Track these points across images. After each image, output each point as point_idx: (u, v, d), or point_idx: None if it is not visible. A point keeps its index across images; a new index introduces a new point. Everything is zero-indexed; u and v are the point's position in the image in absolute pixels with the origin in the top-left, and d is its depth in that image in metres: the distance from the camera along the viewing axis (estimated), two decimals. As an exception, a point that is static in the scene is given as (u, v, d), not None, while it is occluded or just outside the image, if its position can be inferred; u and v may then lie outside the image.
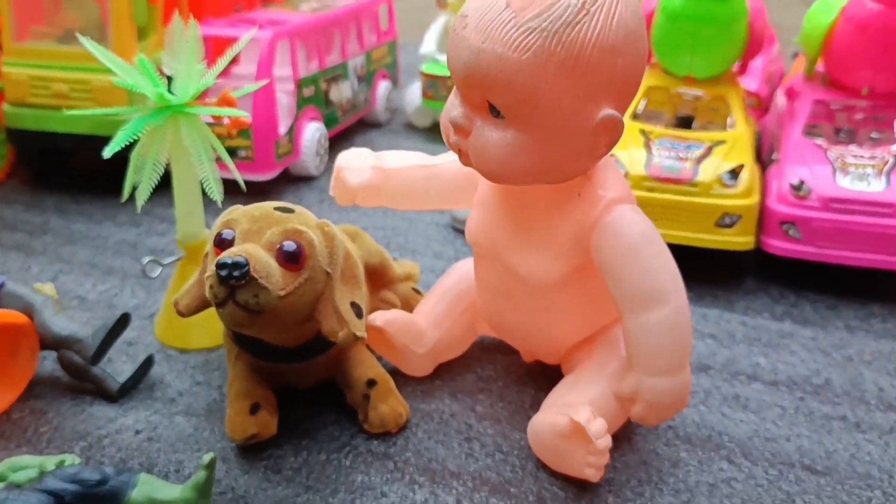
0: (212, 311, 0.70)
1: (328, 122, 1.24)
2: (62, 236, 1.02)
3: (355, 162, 0.72)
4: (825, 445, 0.68)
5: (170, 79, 0.74)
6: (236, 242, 0.59)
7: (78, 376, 0.73)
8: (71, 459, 0.61)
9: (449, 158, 0.73)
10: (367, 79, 1.39)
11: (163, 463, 0.66)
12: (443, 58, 1.39)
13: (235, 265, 0.55)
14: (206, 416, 0.71)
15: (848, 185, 0.88)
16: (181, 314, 0.64)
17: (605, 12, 0.55)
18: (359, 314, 0.63)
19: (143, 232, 1.03)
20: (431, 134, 1.42)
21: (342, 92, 1.29)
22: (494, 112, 0.58)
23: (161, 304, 0.85)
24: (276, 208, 0.62)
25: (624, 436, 0.68)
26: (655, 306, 0.61)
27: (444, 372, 0.77)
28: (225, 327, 0.69)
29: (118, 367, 0.74)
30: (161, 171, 0.73)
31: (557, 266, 0.64)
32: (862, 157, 0.91)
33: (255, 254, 0.57)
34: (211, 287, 0.57)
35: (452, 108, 0.60)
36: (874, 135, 0.95)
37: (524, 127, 0.57)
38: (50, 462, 0.60)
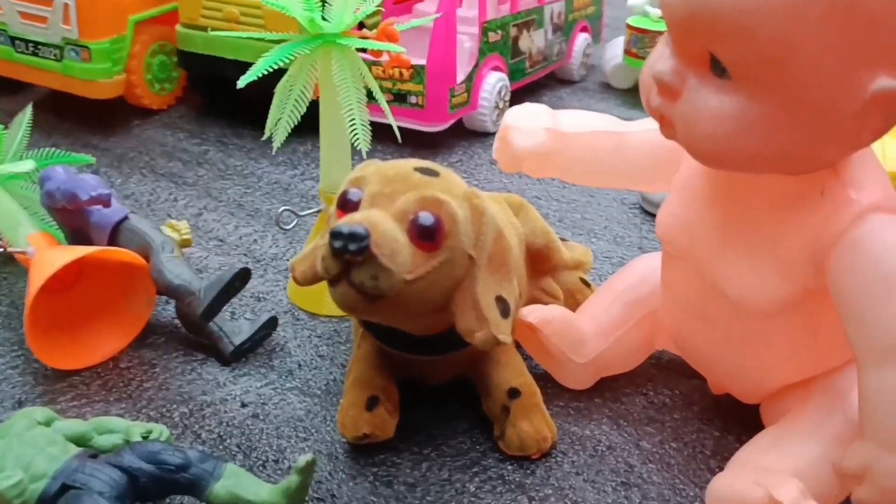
0: None
1: (513, 73, 1.10)
2: (216, 170, 0.96)
3: (527, 121, 0.58)
4: None
5: (323, 5, 0.63)
6: (362, 206, 0.48)
7: (194, 330, 0.65)
8: (159, 431, 0.53)
9: (645, 126, 0.58)
10: (564, 29, 1.24)
11: (262, 448, 0.56)
12: (654, 10, 1.20)
13: (352, 236, 0.44)
14: (322, 399, 0.61)
15: None
16: (297, 282, 0.54)
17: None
18: (504, 312, 0.50)
19: (298, 174, 0.95)
20: (631, 97, 1.25)
21: (534, 41, 1.15)
22: (718, 69, 0.42)
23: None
24: (416, 168, 0.49)
25: (835, 518, 0.51)
26: (909, 361, 0.43)
27: (607, 389, 0.63)
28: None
29: (238, 324, 0.65)
30: (304, 107, 0.63)
31: (778, 287, 0.48)
32: None
33: (381, 224, 0.45)
34: (323, 259, 0.46)
35: (659, 59, 0.45)
36: None
37: (760, 94, 0.41)
38: (137, 430, 0.53)
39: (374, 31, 0.65)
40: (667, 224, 0.54)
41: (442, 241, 0.47)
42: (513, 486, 0.54)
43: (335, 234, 0.44)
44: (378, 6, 0.64)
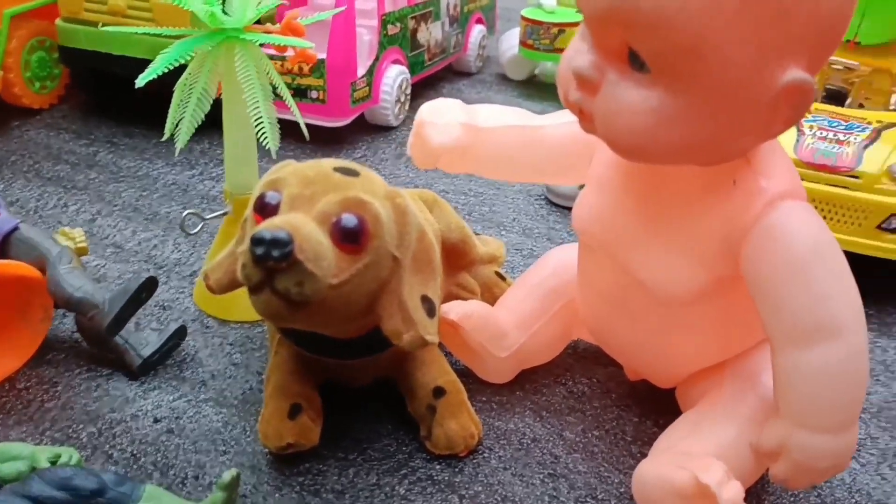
0: None
1: (413, 66, 1.10)
2: (108, 172, 0.91)
3: (442, 116, 0.57)
4: None
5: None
6: (281, 210, 0.46)
7: (97, 344, 0.62)
8: (68, 455, 0.50)
9: (558, 120, 0.58)
10: (460, 20, 1.24)
11: (180, 465, 0.54)
12: (548, 2, 1.22)
13: (275, 242, 0.42)
14: (239, 409, 0.59)
15: None
16: (211, 290, 0.52)
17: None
18: (431, 312, 0.49)
19: (196, 175, 0.91)
20: (527, 88, 1.27)
21: (432, 33, 1.14)
22: (637, 63, 0.42)
23: (204, 264, 0.73)
24: (336, 168, 0.48)
25: (752, 493, 0.53)
26: (824, 342, 0.45)
27: (528, 381, 0.63)
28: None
29: (145, 336, 0.62)
30: (208, 106, 0.60)
31: (695, 276, 0.49)
32: None
33: (304, 228, 0.43)
34: (244, 267, 0.44)
35: (577, 54, 0.45)
36: None
37: (678, 87, 0.41)
38: (44, 455, 0.50)
39: (274, 25, 0.63)
40: (583, 217, 0.54)
41: (366, 243, 0.46)
42: (442, 486, 0.53)
43: (256, 241, 0.42)
44: (281, 1, 0.62)
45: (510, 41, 1.29)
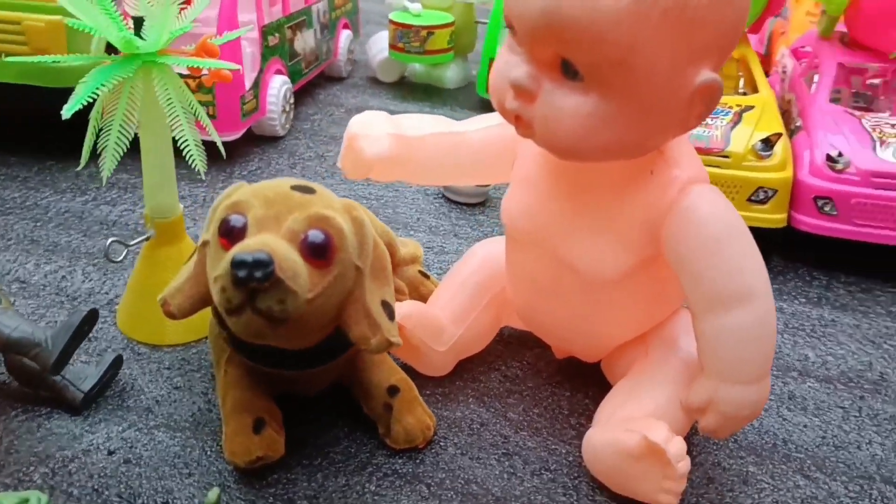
0: None
1: (292, 75, 1.11)
2: (-9, 205, 0.87)
3: (371, 128, 0.60)
4: (899, 454, 0.61)
5: (137, 22, 0.60)
6: (249, 232, 0.47)
7: (31, 384, 0.60)
8: (36, 498, 0.49)
9: (478, 125, 0.62)
10: (329, 27, 1.26)
11: (147, 493, 0.54)
12: (413, 5, 1.26)
13: (257, 264, 0.44)
14: (192, 430, 0.59)
15: (891, 157, 0.81)
16: (172, 316, 0.52)
17: (718, -48, 0.45)
18: (391, 316, 0.52)
19: (90, 200, 0.89)
20: (399, 90, 1.30)
21: (306, 41, 1.16)
22: (570, 73, 0.47)
23: (123, 291, 0.72)
24: (293, 187, 0.50)
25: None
26: (740, 306, 0.52)
27: (465, 371, 0.67)
28: (215, 323, 0.58)
29: (80, 369, 0.61)
30: (132, 133, 0.60)
31: (622, 258, 0.55)
32: (900, 127, 0.84)
33: (279, 248, 0.45)
34: (223, 290, 0.45)
35: (512, 66, 0.49)
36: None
37: (610, 92, 0.46)
38: (9, 502, 0.48)
39: (190, 46, 0.63)
40: (513, 212, 0.59)
41: (333, 257, 0.48)
42: (409, 478, 0.56)
43: (238, 264, 0.43)
44: (193, 23, 0.62)
45: (379, 44, 1.32)
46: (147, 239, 0.67)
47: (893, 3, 0.86)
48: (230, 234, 0.47)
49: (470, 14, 1.31)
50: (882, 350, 0.73)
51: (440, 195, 0.95)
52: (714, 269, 0.52)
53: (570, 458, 0.59)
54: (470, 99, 1.27)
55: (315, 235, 0.47)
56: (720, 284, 0.52)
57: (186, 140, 0.61)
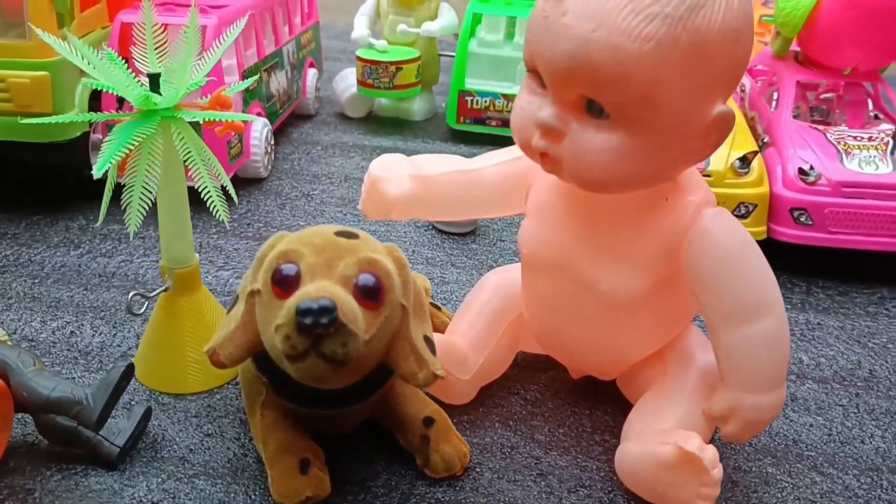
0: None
1: (269, 116, 1.12)
2: (-17, 264, 0.86)
3: (391, 170, 0.62)
4: (900, 444, 0.66)
5: (152, 78, 0.61)
6: (304, 280, 0.49)
7: (65, 442, 0.60)
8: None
9: (490, 161, 0.65)
10: (298, 66, 1.27)
11: (199, 542, 0.55)
12: (379, 42, 1.28)
13: (323, 311, 0.45)
14: (232, 476, 0.60)
15: (857, 168, 0.86)
16: (221, 366, 0.53)
17: (728, -5, 0.48)
18: (433, 350, 0.55)
19: (85, 253, 0.88)
20: (369, 124, 1.32)
21: (279, 82, 1.17)
22: (595, 111, 0.50)
23: (135, 342, 0.73)
24: (336, 233, 0.52)
25: (704, 453, 0.63)
26: (759, 318, 0.55)
27: (486, 397, 0.69)
28: (254, 368, 0.59)
29: (109, 425, 0.61)
30: (155, 187, 0.61)
31: (643, 279, 0.58)
32: (862, 138, 0.90)
33: (339, 294, 0.47)
34: (287, 338, 0.46)
35: (538, 108, 0.52)
36: (846, 115, 0.95)
37: (636, 128, 0.50)
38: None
39: (204, 99, 0.65)
40: (532, 243, 0.62)
41: (384, 298, 0.50)
42: (452, 505, 0.58)
43: (304, 312, 0.45)
44: (207, 76, 0.64)
45: (346, 81, 1.34)
46: (165, 290, 0.68)
47: (846, 25, 0.92)
48: (284, 282, 0.49)
49: (433, 47, 1.34)
50: (868, 349, 0.78)
51: (430, 227, 0.98)
52: (732, 285, 0.56)
53: (602, 474, 0.62)
54: (438, 129, 1.30)
55: (366, 279, 0.49)
56: (739, 299, 0.56)
57: (209, 191, 0.62)
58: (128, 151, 0.58)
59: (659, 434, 0.58)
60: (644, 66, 0.47)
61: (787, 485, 0.61)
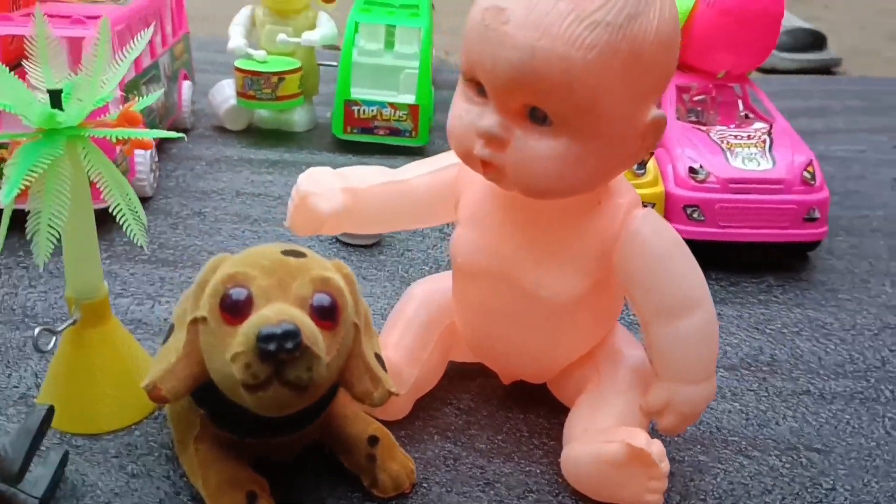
0: (123, 379, 0.58)
1: (150, 131, 1.06)
2: None
3: (320, 184, 0.61)
4: (810, 423, 0.70)
5: (53, 94, 0.57)
6: (257, 304, 0.46)
7: (-27, 499, 0.54)
8: None
9: (419, 171, 0.65)
10: (172, 78, 1.22)
11: (142, 592, 0.51)
12: (258, 53, 1.25)
13: (286, 335, 0.43)
14: (167, 518, 0.56)
15: (741, 165, 0.92)
16: (163, 401, 0.50)
17: (661, 4, 0.50)
18: (384, 367, 0.53)
19: (-37, 288, 0.81)
20: (250, 136, 1.28)
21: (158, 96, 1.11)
22: (538, 119, 0.51)
23: (32, 381, 0.67)
24: (283, 252, 0.50)
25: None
26: (689, 313, 0.58)
27: (419, 410, 0.68)
28: (187, 400, 0.55)
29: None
30: (65, 211, 0.56)
31: (581, 282, 0.59)
32: (742, 136, 0.95)
33: (299, 317, 0.45)
34: (248, 366, 0.44)
35: (479, 116, 0.52)
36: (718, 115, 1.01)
37: (578, 135, 0.51)
38: None
39: (111, 116, 0.60)
40: (466, 251, 0.61)
41: (339, 317, 0.48)
42: (405, 524, 0.57)
43: (266, 338, 0.43)
44: (113, 91, 0.60)
45: (223, 93, 1.29)
46: (73, 323, 0.63)
47: (720, 31, 0.98)
48: (235, 307, 0.46)
49: (312, 57, 1.32)
50: (766, 335, 0.83)
51: (334, 240, 0.96)
52: (663, 283, 0.58)
53: (547, 477, 0.62)
54: (323, 140, 1.28)
55: (322, 299, 0.47)
56: (669, 296, 0.58)
57: (124, 214, 0.58)
58: (35, 175, 0.53)
59: (602, 433, 0.59)
60: (588, 74, 0.48)
61: (719, 470, 0.64)
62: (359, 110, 1.22)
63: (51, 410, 0.54)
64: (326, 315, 0.47)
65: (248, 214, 1.00)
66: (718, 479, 0.63)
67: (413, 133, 1.21)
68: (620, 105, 0.50)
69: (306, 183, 0.60)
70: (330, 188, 0.61)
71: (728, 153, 0.93)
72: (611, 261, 0.58)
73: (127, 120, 0.60)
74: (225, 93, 1.29)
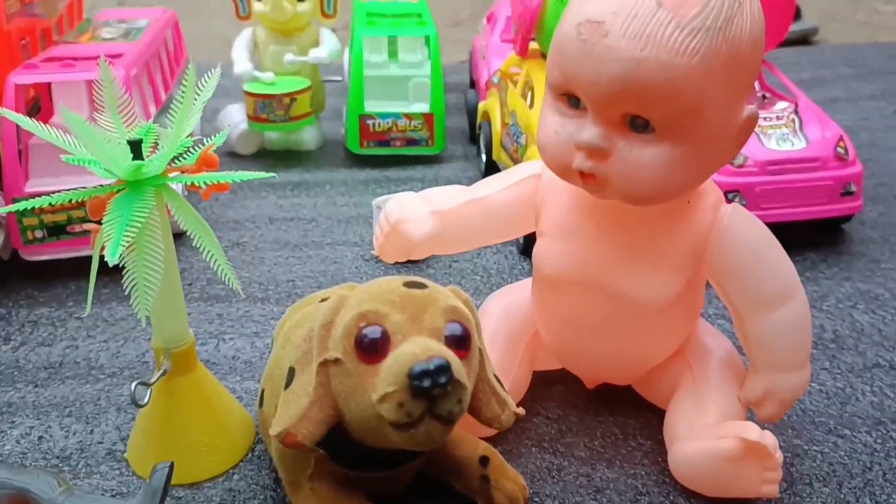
0: (215, 424, 0.58)
1: (173, 165, 1.04)
2: None
3: (409, 211, 0.60)
4: (888, 396, 0.72)
5: (133, 145, 0.56)
6: (394, 339, 0.46)
7: (98, 563, 0.53)
8: None
9: (498, 186, 0.65)
10: (181, 109, 1.20)
11: None
12: (265, 75, 1.23)
13: (439, 370, 0.43)
14: (291, 561, 0.56)
15: (776, 146, 0.93)
16: (299, 446, 0.49)
17: (749, 2, 0.51)
18: (504, 387, 0.53)
19: (20, 346, 0.79)
20: (264, 160, 1.26)
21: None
22: (639, 127, 0.51)
23: (116, 436, 0.66)
24: (406, 284, 0.49)
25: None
26: (785, 303, 0.59)
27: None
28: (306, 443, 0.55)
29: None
30: (160, 263, 0.55)
31: (676, 282, 0.59)
32: (771, 118, 0.97)
33: (442, 349, 0.45)
34: (401, 405, 0.44)
35: (578, 129, 0.52)
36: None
37: (681, 140, 0.51)
38: None
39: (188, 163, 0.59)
40: (555, 262, 0.61)
41: (470, 345, 0.48)
42: (528, 540, 0.57)
43: (421, 374, 0.43)
44: (192, 138, 0.59)
45: (232, 118, 1.27)
46: (164, 373, 0.62)
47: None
48: (372, 346, 0.46)
49: (317, 74, 1.31)
50: (824, 312, 0.84)
51: (377, 259, 0.95)
52: (758, 275, 0.59)
53: (654, 478, 0.63)
54: (336, 156, 1.27)
55: (454, 328, 0.47)
56: (766, 288, 0.59)
57: (217, 260, 0.57)
58: (135, 229, 0.52)
59: (710, 429, 0.60)
60: (692, 80, 0.49)
61: (815, 453, 0.65)
62: (374, 124, 1.21)
63: (172, 467, 0.53)
64: (460, 344, 0.47)
65: (287, 241, 0.99)
66: (818, 462, 0.64)
67: (430, 142, 1.20)
68: (721, 106, 0.51)
69: (397, 211, 0.60)
70: (419, 214, 0.60)
71: (761, 136, 0.94)
72: (703, 258, 0.59)
73: (206, 163, 0.60)
74: (234, 118, 1.27)
